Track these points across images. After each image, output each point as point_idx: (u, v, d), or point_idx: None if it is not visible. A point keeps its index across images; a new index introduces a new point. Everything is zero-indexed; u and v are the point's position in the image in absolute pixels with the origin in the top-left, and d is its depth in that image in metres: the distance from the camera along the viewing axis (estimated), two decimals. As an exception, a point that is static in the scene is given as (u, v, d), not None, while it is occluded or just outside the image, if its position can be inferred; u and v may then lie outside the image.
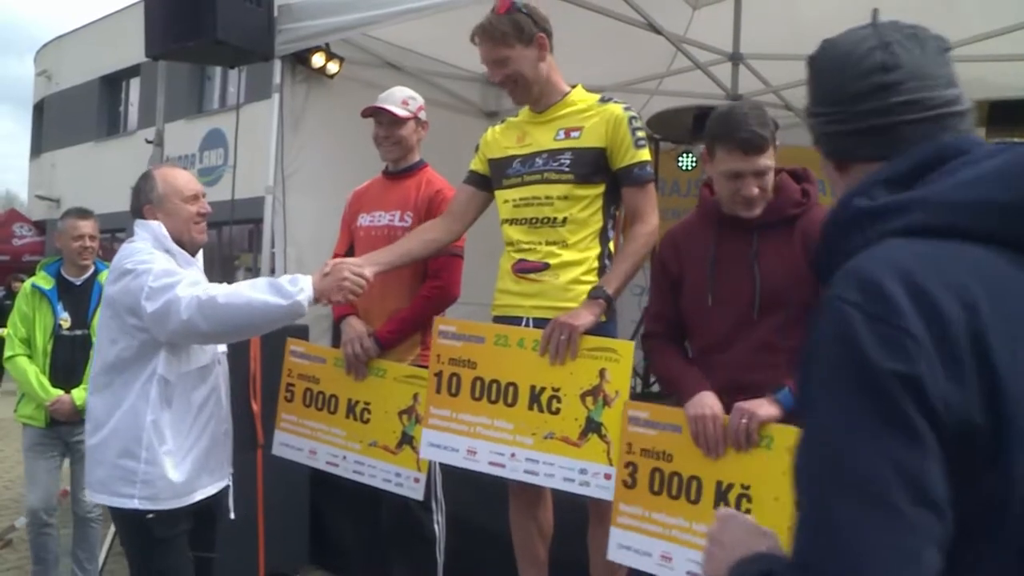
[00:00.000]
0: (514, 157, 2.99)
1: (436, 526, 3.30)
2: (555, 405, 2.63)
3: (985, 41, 5.51)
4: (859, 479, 0.83)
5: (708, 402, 2.38)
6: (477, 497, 3.13)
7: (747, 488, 2.29)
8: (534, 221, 2.91)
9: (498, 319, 2.99)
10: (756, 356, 2.42)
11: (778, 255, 2.42)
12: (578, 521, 2.84)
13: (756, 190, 2.40)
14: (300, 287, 2.60)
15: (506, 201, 2.99)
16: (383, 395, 3.12)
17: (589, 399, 2.58)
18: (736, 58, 6.10)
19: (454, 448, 2.81)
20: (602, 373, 2.57)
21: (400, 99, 3.42)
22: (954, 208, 0.97)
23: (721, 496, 2.32)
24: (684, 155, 7.23)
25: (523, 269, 2.92)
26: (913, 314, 0.88)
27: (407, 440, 3.02)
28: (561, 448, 2.60)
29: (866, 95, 1.12)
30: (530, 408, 2.67)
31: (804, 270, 2.35)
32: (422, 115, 3.46)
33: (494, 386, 2.75)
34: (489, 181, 3.08)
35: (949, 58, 1.14)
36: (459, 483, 3.22)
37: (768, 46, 6.07)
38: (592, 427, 2.57)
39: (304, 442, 3.32)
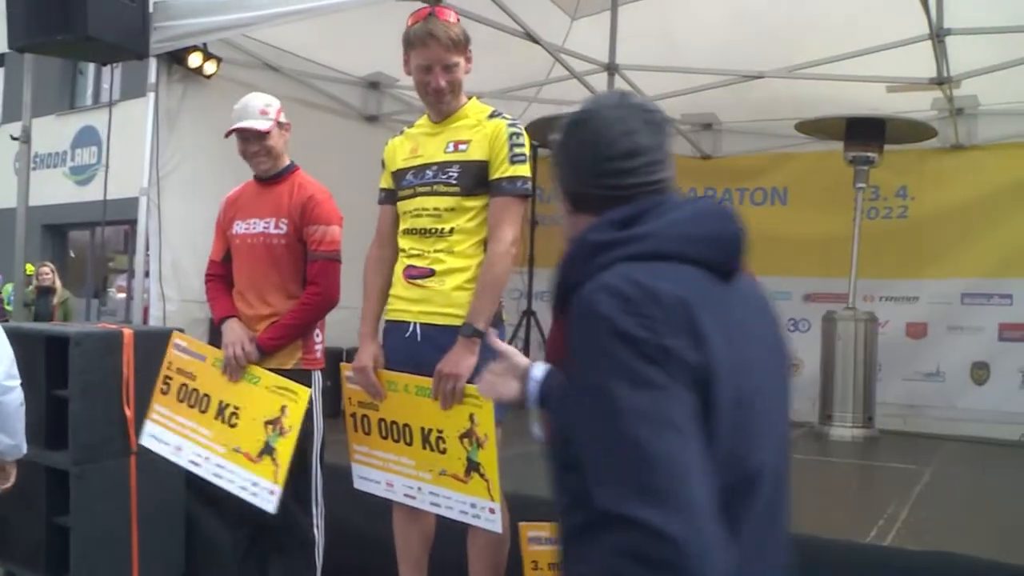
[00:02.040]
0: (408, 169, 3.03)
1: (315, 529, 3.30)
2: (442, 445, 2.86)
3: (844, 61, 5.85)
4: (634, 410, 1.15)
5: None
6: (356, 501, 3.15)
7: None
8: (424, 232, 2.97)
9: (389, 323, 3.05)
10: None
11: None
12: (459, 527, 2.90)
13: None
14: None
15: (404, 212, 3.04)
16: (253, 402, 3.13)
17: (466, 441, 2.80)
18: (612, 68, 6.30)
19: (376, 481, 3.05)
20: (472, 417, 2.77)
21: (258, 110, 3.35)
22: (664, 239, 1.31)
23: None
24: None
25: (412, 275, 2.97)
26: (653, 306, 1.20)
27: (268, 451, 3.04)
28: (453, 484, 2.84)
29: (613, 174, 1.42)
30: (423, 447, 2.90)
31: None
32: (282, 117, 3.41)
33: (394, 427, 2.98)
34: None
35: (668, 133, 1.47)
36: (339, 488, 3.23)
37: (643, 58, 6.30)
38: (472, 466, 2.79)
39: (172, 437, 3.29)
